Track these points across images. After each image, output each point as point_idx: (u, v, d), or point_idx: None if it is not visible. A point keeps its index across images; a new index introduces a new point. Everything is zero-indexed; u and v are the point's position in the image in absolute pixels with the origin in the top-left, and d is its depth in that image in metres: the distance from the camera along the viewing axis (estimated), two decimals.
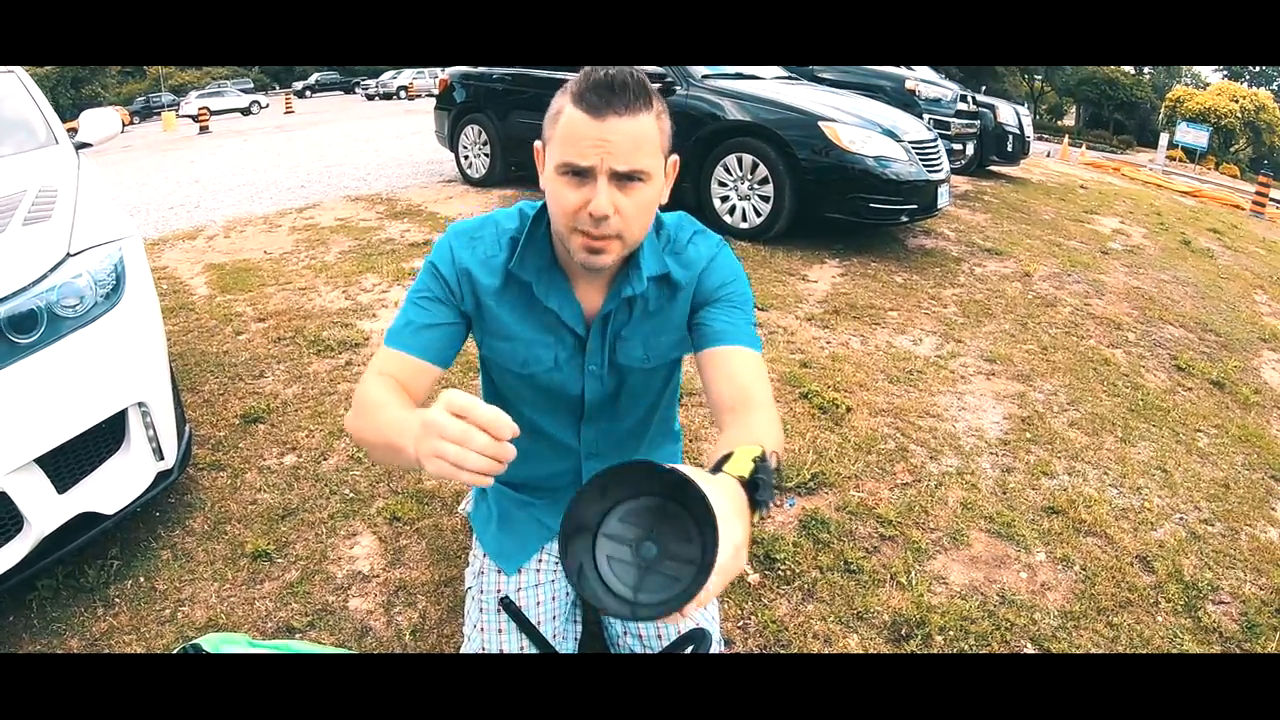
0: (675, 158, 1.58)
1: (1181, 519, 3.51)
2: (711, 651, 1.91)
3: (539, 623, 1.96)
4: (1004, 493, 3.52)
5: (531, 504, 2.11)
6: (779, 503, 1.44)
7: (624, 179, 1.42)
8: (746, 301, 1.76)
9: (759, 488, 1.18)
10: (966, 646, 2.61)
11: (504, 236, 1.69)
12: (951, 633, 2.66)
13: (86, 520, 2.55)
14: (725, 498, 1.06)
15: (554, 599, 2.02)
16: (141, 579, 2.76)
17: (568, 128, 1.41)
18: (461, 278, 1.67)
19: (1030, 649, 2.64)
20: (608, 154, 1.38)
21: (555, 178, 1.45)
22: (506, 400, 1.89)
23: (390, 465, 1.64)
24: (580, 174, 1.42)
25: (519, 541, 2.07)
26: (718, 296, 1.73)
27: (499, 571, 2.03)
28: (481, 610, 2.01)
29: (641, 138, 1.41)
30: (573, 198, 1.43)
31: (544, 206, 1.63)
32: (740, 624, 2.64)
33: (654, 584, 0.99)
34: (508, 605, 1.96)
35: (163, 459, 2.81)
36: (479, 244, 1.68)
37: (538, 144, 1.55)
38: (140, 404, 2.70)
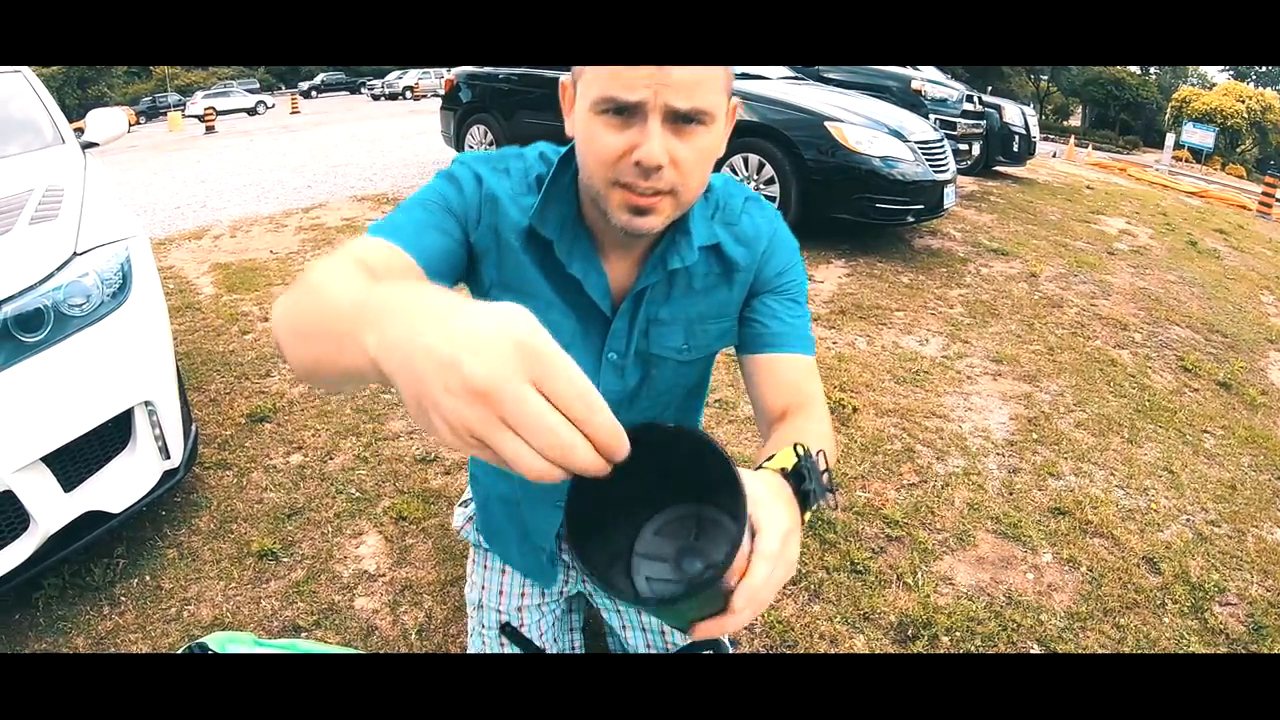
0: (737, 100, 1.27)
1: (1188, 520, 3.50)
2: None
3: (544, 648, 1.92)
4: (1010, 493, 3.51)
5: (526, 514, 1.76)
6: (831, 503, 1.09)
7: (682, 120, 1.11)
8: (804, 290, 1.51)
9: (805, 478, 1.02)
10: (973, 647, 2.61)
11: (531, 175, 1.36)
12: (958, 634, 2.65)
13: (92, 519, 2.55)
14: (763, 485, 0.93)
15: (554, 623, 1.96)
16: (147, 578, 2.77)
17: None
18: (486, 203, 1.32)
19: (1036, 650, 2.64)
20: (663, 87, 1.07)
21: (591, 117, 1.13)
22: None
23: (317, 373, 0.88)
24: (625, 112, 1.10)
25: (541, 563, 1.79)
26: (776, 286, 1.46)
27: (500, 592, 1.90)
28: (484, 643, 1.96)
29: (705, 69, 1.10)
30: (614, 142, 1.12)
31: (570, 151, 1.32)
32: (746, 625, 2.63)
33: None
34: (511, 633, 1.92)
35: (169, 458, 2.81)
36: (508, 177, 1.35)
37: (565, 78, 1.24)
38: (146, 403, 2.70)
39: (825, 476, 1.07)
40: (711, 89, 1.11)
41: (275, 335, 1.00)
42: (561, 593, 1.92)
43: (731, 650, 1.85)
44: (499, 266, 1.35)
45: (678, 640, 1.87)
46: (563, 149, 1.36)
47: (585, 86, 1.13)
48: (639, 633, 1.91)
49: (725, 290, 1.43)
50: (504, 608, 1.89)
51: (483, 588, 1.92)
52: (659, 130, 1.09)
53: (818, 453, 1.10)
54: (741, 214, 1.43)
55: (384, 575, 2.80)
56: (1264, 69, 56.37)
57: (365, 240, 1.18)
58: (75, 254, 2.65)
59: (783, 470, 1.01)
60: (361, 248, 1.14)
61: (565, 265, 1.32)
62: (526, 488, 1.62)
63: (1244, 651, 2.74)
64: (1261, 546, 3.36)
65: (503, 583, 1.90)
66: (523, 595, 1.87)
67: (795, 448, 1.04)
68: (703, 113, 1.11)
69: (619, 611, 1.85)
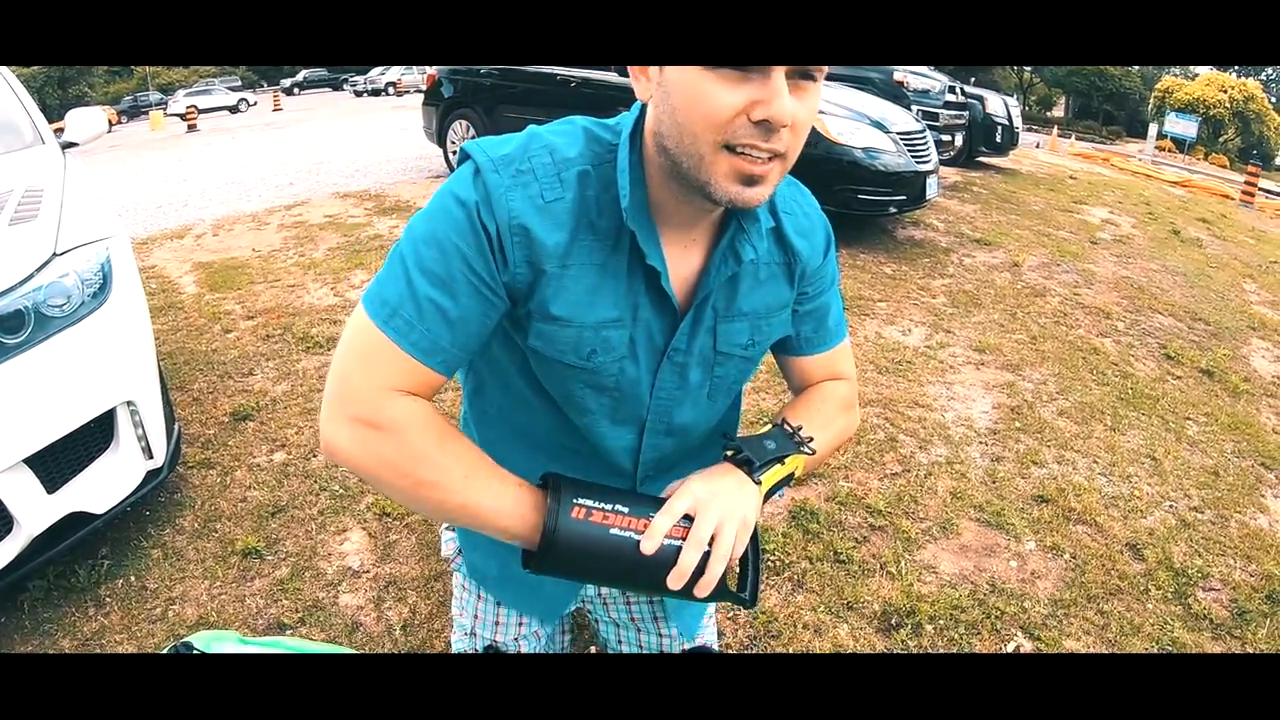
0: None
1: (1171, 507, 3.52)
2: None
3: None
4: (993, 482, 3.53)
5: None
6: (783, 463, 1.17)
7: (800, 76, 0.97)
8: (838, 276, 1.41)
9: (743, 450, 1.17)
10: (956, 635, 2.62)
11: (566, 169, 1.11)
12: (941, 622, 2.67)
13: (76, 520, 2.55)
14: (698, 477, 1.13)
15: (546, 642, 1.79)
16: (132, 578, 2.76)
17: None
18: (515, 238, 1.08)
19: (1020, 637, 2.66)
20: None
21: (701, 74, 0.95)
22: (532, 406, 1.33)
23: (435, 517, 1.20)
24: (749, 68, 0.94)
25: (545, 601, 1.62)
26: (824, 276, 1.36)
27: (497, 623, 1.70)
28: None
29: None
30: (732, 100, 0.94)
31: (638, 125, 1.14)
32: (730, 615, 2.64)
33: None
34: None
35: (152, 458, 2.81)
36: (532, 180, 1.09)
37: None
38: (129, 403, 2.70)
39: (774, 443, 1.21)
40: None
41: (354, 468, 1.10)
42: (561, 616, 1.77)
43: (717, 648, 1.82)
44: (538, 302, 1.14)
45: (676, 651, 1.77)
46: (618, 121, 1.18)
47: None
48: (636, 650, 1.79)
49: (785, 283, 1.29)
50: (501, 638, 1.73)
51: (475, 617, 1.73)
52: (786, 90, 0.95)
53: (796, 425, 1.22)
54: (791, 200, 1.29)
55: (368, 571, 2.81)
56: None
57: (389, 354, 1.08)
58: (55, 254, 2.64)
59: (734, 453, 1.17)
60: (395, 376, 1.08)
61: (645, 256, 1.13)
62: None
63: (1229, 637, 2.77)
64: (1244, 532, 3.39)
65: (497, 615, 1.71)
66: (519, 625, 1.70)
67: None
68: (820, 68, 0.99)
69: (616, 624, 1.80)
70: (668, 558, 1.08)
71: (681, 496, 1.11)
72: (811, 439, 1.26)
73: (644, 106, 1.10)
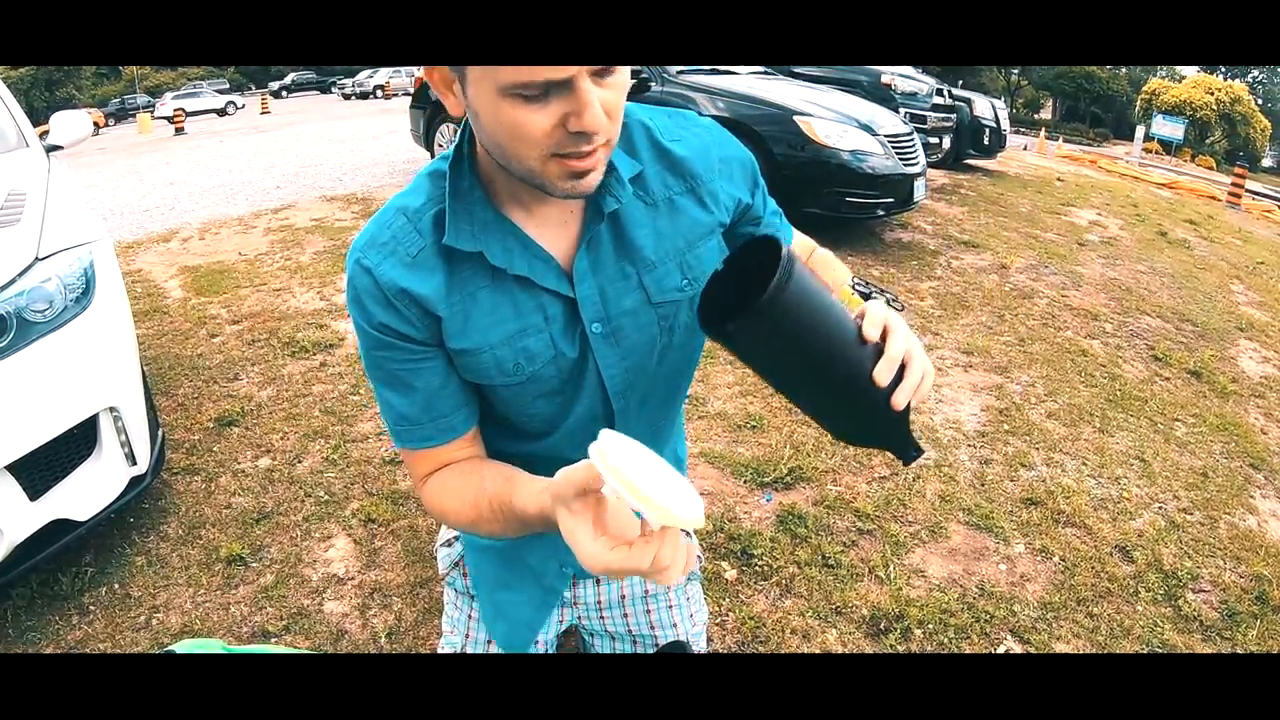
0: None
1: (1160, 508, 3.53)
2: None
3: None
4: (982, 485, 3.53)
5: (529, 558, 1.59)
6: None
7: (597, 73, 0.99)
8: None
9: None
10: (946, 639, 2.62)
11: (420, 219, 1.18)
12: (930, 626, 2.66)
13: (60, 527, 2.53)
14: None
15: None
16: (116, 586, 2.74)
17: None
18: (400, 302, 1.16)
19: (1010, 640, 2.65)
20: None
21: (506, 104, 0.98)
22: (511, 432, 1.37)
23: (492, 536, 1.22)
24: (552, 89, 0.96)
25: (511, 624, 1.64)
26: (769, 207, 1.40)
27: (489, 642, 1.69)
28: None
29: None
30: (543, 121, 0.98)
31: (459, 152, 1.18)
32: (718, 620, 2.63)
33: None
34: None
35: (135, 464, 2.79)
36: (394, 245, 1.17)
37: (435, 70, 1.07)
38: (112, 409, 2.68)
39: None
40: None
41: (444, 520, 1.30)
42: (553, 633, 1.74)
43: (705, 650, 1.82)
44: (453, 339, 1.20)
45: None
46: (435, 164, 1.23)
47: (477, 73, 0.98)
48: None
49: (697, 208, 1.28)
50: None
51: (466, 635, 1.74)
52: (594, 93, 0.97)
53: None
54: (675, 128, 1.30)
55: (353, 578, 2.79)
56: None
57: (415, 460, 1.29)
58: (38, 259, 2.62)
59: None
60: (424, 465, 1.29)
61: (508, 268, 1.17)
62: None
63: (1219, 639, 2.77)
64: (1234, 533, 3.39)
65: (490, 633, 1.69)
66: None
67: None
68: None
69: (612, 637, 1.79)
70: (874, 352, 1.01)
71: (877, 311, 1.04)
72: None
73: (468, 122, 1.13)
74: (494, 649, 1.68)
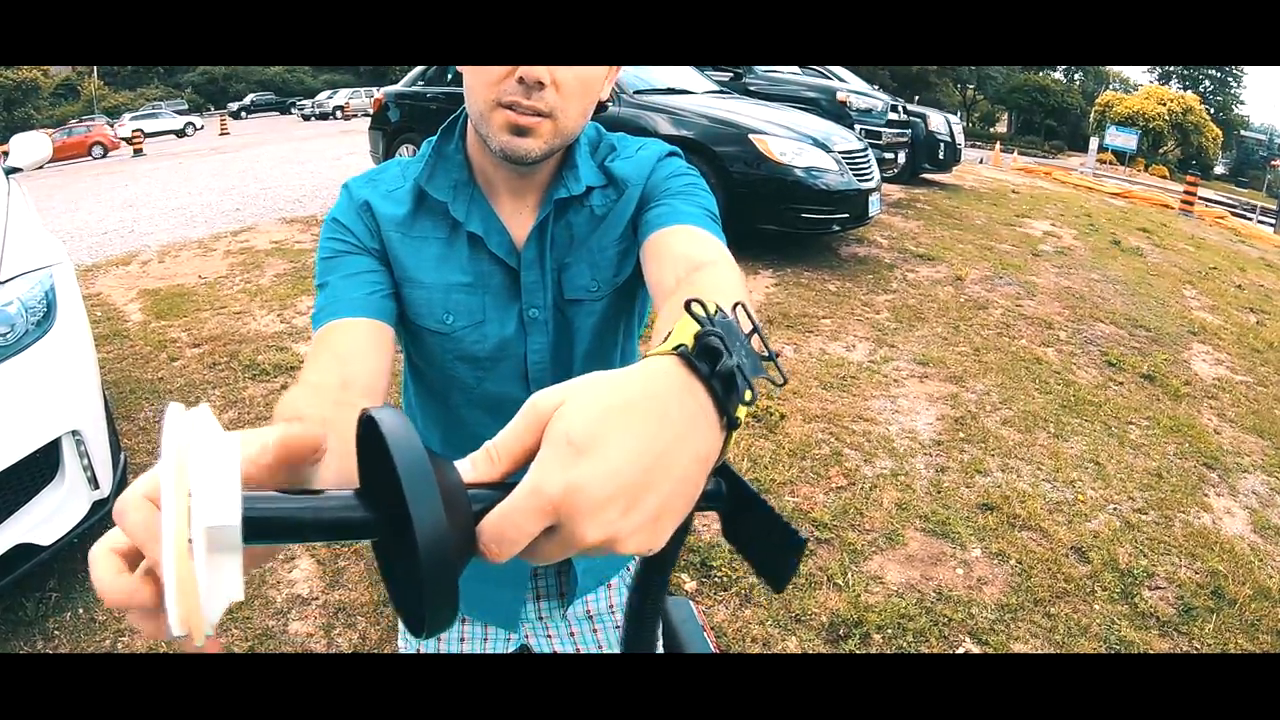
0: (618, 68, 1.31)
1: (1115, 509, 3.60)
2: None
3: None
4: (938, 492, 3.58)
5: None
6: (779, 378, 0.64)
7: None
8: (707, 197, 1.34)
9: (709, 348, 0.62)
10: (904, 644, 2.66)
11: (408, 169, 1.34)
12: (889, 631, 2.71)
13: (23, 552, 2.52)
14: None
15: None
16: (80, 610, 2.74)
17: None
18: (361, 212, 1.30)
19: (969, 642, 2.70)
20: None
21: None
22: (434, 394, 1.43)
23: None
24: None
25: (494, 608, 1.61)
26: (669, 188, 1.32)
27: (461, 641, 1.65)
28: None
29: None
30: (499, 68, 1.13)
31: (454, 119, 1.34)
32: None
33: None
34: None
35: (98, 488, 2.78)
36: (379, 181, 1.33)
37: None
38: (74, 432, 2.67)
39: (754, 339, 0.66)
40: None
41: None
42: (510, 638, 1.69)
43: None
44: (399, 265, 1.30)
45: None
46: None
47: None
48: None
49: (620, 218, 1.34)
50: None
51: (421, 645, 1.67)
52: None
53: (734, 307, 0.71)
54: (637, 151, 1.38)
55: (317, 599, 2.80)
56: (1186, 71, 57.84)
57: (327, 332, 1.19)
58: None
59: (677, 349, 0.62)
60: (332, 345, 1.18)
61: (464, 223, 1.29)
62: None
63: (1175, 634, 2.83)
64: (1189, 531, 3.47)
65: (463, 630, 1.66)
66: (462, 642, 1.66)
67: (690, 306, 0.64)
68: None
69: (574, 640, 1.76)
70: None
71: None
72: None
73: None
74: (467, 647, 1.66)
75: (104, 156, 28.81)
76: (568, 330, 1.36)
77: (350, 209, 1.30)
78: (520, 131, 1.16)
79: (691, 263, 1.10)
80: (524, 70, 1.10)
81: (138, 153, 23.62)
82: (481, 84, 1.15)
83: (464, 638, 1.66)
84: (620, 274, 1.36)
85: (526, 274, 1.31)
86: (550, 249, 1.32)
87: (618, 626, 1.64)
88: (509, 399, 1.33)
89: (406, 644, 1.74)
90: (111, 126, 38.29)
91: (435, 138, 1.34)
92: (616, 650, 1.56)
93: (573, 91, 1.16)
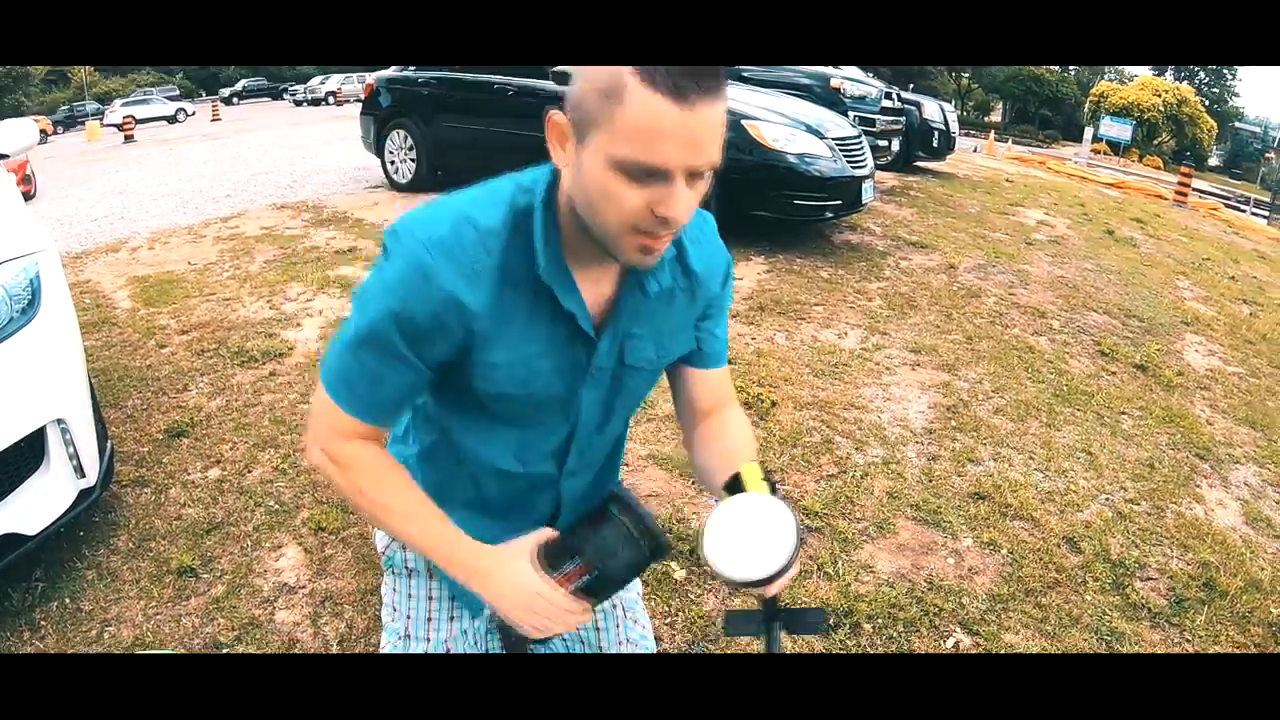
0: None
1: (1107, 499, 3.59)
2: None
3: None
4: (930, 480, 3.58)
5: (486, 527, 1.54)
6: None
7: (697, 175, 1.13)
8: (729, 304, 1.60)
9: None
10: (895, 633, 2.65)
11: (490, 239, 1.26)
12: (880, 620, 2.70)
13: (8, 542, 2.51)
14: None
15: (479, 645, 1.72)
16: (67, 600, 2.72)
17: (642, 117, 1.06)
18: (448, 313, 1.25)
19: (959, 633, 2.69)
20: (693, 152, 1.09)
21: (611, 175, 1.10)
22: (473, 429, 1.48)
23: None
24: (653, 175, 1.09)
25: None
26: (723, 305, 1.56)
27: (429, 619, 1.67)
28: None
29: (721, 123, 1.11)
30: (636, 200, 1.11)
31: (551, 188, 1.29)
32: (668, 620, 2.65)
33: None
34: None
35: (84, 476, 2.76)
36: (461, 255, 1.24)
37: (557, 115, 1.18)
38: (59, 420, 2.65)
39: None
40: (719, 141, 1.12)
41: (358, 504, 1.39)
42: (492, 613, 1.64)
43: (654, 650, 1.81)
44: (474, 354, 1.31)
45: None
46: (534, 181, 1.32)
47: (601, 138, 1.10)
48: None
49: (689, 303, 1.47)
50: (434, 638, 1.68)
51: (408, 617, 1.69)
52: (685, 190, 1.11)
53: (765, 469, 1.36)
54: (695, 229, 1.46)
55: (304, 587, 2.79)
56: None
57: (341, 418, 1.34)
58: None
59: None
60: (346, 426, 1.35)
61: (566, 306, 1.31)
62: (487, 498, 1.57)
63: (1167, 625, 2.83)
64: (1180, 522, 3.47)
65: (430, 610, 1.69)
66: (452, 620, 1.68)
67: (762, 477, 1.41)
68: (714, 164, 1.13)
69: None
70: None
71: None
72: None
73: (557, 170, 1.26)
74: (434, 626, 1.68)
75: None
76: (618, 389, 1.48)
77: (432, 301, 1.24)
78: (651, 251, 1.20)
79: (721, 399, 1.62)
80: (671, 213, 1.12)
81: (129, 139, 23.52)
82: (618, 215, 1.14)
83: (454, 616, 1.70)
84: (677, 352, 1.53)
85: (604, 343, 1.39)
86: (621, 318, 1.39)
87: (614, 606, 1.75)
88: (554, 433, 1.49)
89: (392, 618, 1.73)
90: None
91: (530, 213, 1.29)
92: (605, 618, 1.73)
93: (693, 208, 1.17)
